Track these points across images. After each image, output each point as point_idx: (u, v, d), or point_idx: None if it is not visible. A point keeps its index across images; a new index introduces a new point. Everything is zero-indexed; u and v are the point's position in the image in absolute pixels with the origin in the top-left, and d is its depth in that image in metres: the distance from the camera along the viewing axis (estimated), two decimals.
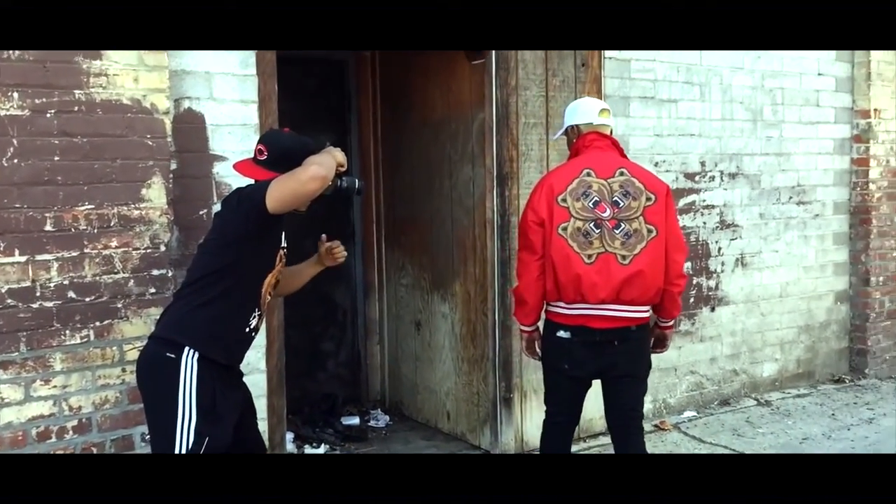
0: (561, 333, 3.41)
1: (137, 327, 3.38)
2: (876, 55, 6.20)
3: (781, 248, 5.97)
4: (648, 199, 3.38)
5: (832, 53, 6.14)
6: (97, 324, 3.30)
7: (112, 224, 3.31)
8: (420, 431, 5.17)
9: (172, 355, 2.68)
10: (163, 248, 3.42)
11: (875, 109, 6.25)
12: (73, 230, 3.23)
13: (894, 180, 6.45)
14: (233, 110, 3.69)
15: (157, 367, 2.72)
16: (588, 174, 3.38)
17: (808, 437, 5.10)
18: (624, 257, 3.31)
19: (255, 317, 2.85)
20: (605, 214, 3.33)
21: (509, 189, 4.58)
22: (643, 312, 3.44)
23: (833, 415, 5.52)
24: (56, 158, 3.19)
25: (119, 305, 3.34)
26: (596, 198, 3.34)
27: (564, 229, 3.31)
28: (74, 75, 3.20)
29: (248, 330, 2.84)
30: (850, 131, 6.30)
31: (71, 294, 3.24)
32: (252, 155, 2.90)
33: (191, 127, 3.58)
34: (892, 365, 6.53)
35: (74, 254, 3.24)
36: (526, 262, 3.41)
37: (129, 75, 3.32)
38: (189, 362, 2.68)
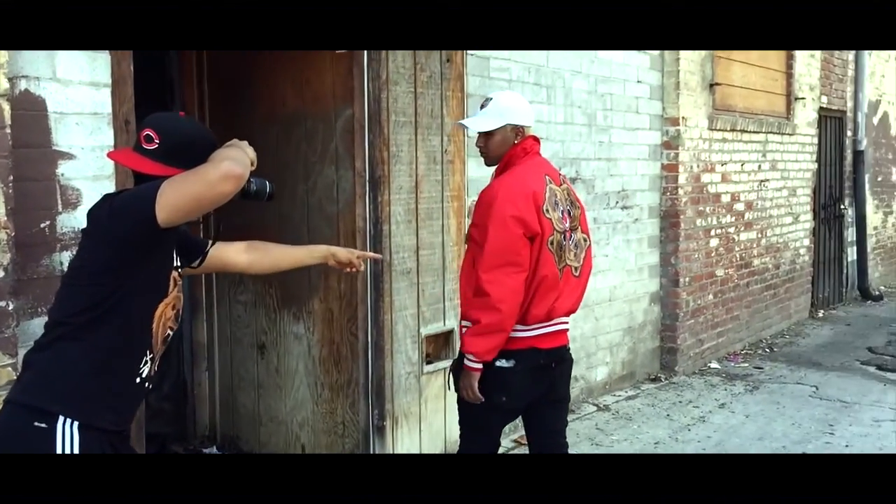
0: (501, 363, 3.02)
1: None
2: (684, 65, 6.49)
3: (610, 253, 6.04)
4: (578, 208, 3.17)
5: (647, 62, 6.33)
6: None
7: None
8: None
9: (43, 425, 2.02)
10: (1, 274, 2.59)
11: (682, 117, 6.54)
12: None
13: (697, 185, 6.81)
14: (81, 95, 2.91)
15: (21, 444, 2.03)
16: (549, 181, 3.05)
17: (658, 440, 5.16)
18: (576, 269, 3.08)
19: (146, 362, 2.18)
20: (566, 225, 3.04)
21: (381, 195, 4.12)
22: (569, 325, 3.20)
23: (668, 415, 5.66)
24: None
25: None
26: (562, 207, 3.04)
27: (552, 244, 2.97)
28: None
29: (138, 381, 2.17)
30: (660, 138, 6.54)
31: None
32: (134, 143, 2.20)
33: (29, 115, 2.76)
34: (696, 361, 6.89)
35: None
36: (511, 283, 2.86)
37: None
38: (66, 435, 2.03)
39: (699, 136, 6.76)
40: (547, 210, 2.95)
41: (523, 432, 4.94)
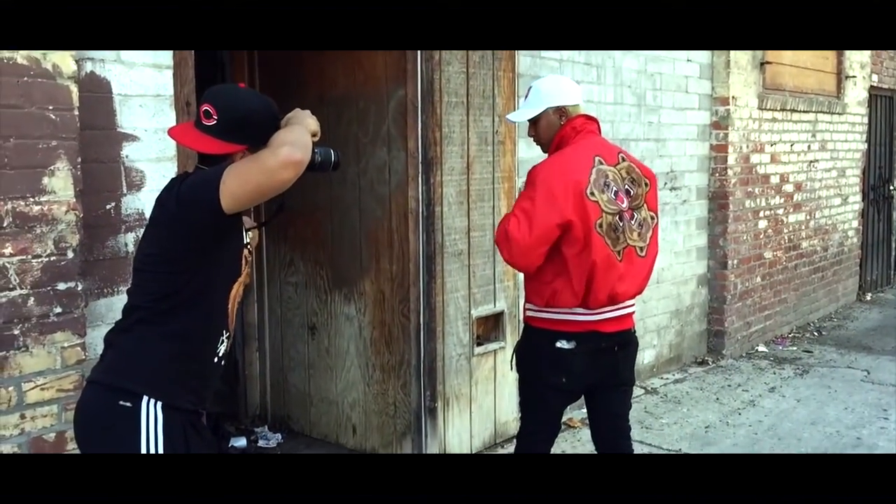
0: (562, 344, 3.00)
1: (40, 359, 2.56)
2: None
3: (658, 234, 5.95)
4: (646, 185, 3.10)
5: None
6: None
7: (5, 224, 2.47)
8: (319, 448, 4.58)
9: (128, 404, 2.03)
10: (70, 255, 2.62)
11: (732, 97, 6.42)
12: None
13: (746, 166, 6.70)
14: (144, 77, 2.93)
15: (108, 421, 2.05)
16: (600, 162, 2.99)
17: (709, 424, 5.11)
18: (641, 249, 3.02)
19: (223, 341, 2.19)
20: (623, 205, 2.98)
21: (434, 176, 4.11)
22: (634, 307, 3.17)
23: (717, 399, 5.60)
24: None
25: (16, 332, 2.51)
26: (615, 188, 2.98)
27: (601, 226, 2.91)
28: None
29: (216, 360, 2.18)
30: (709, 118, 6.44)
31: None
32: (195, 119, 2.13)
33: (94, 97, 2.78)
34: (743, 344, 6.81)
35: None
36: (520, 232, 2.86)
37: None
38: (150, 414, 2.04)
39: (749, 115, 6.64)
40: (592, 193, 2.88)
41: (572, 414, 4.97)
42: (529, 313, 3.10)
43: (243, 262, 2.21)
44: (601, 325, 2.98)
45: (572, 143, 3.02)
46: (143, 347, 2.07)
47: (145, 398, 2.03)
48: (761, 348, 6.92)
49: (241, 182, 1.93)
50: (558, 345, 2.99)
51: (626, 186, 3.00)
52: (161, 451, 2.02)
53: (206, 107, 2.07)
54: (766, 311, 7.11)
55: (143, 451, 2.01)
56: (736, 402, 5.53)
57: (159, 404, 2.04)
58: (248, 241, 2.26)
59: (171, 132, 2.24)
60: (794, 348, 6.96)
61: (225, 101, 2.08)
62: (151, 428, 2.03)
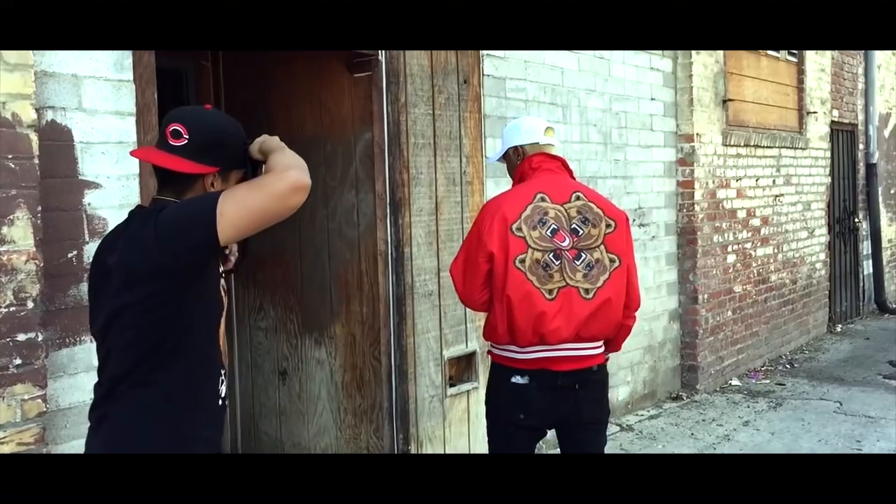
0: (517, 379, 3.00)
1: (0, 412, 2.50)
2: (696, 82, 6.48)
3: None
4: (608, 225, 3.09)
5: (661, 79, 6.33)
6: None
7: None
8: None
9: None
10: (30, 305, 2.58)
11: (697, 134, 6.52)
12: None
13: (713, 202, 6.78)
14: (107, 124, 2.91)
15: None
16: (542, 199, 3.02)
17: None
18: (587, 291, 2.99)
19: (222, 381, 2.05)
20: (564, 244, 2.98)
21: (402, 217, 4.11)
22: (600, 349, 3.14)
23: (692, 434, 5.60)
24: None
25: None
26: (553, 225, 2.99)
27: (522, 262, 2.92)
28: None
29: (220, 403, 2.04)
30: (675, 155, 6.52)
31: None
32: (158, 140, 1.98)
33: (56, 145, 2.76)
34: (717, 378, 6.83)
35: None
36: (456, 269, 3.07)
37: None
38: None
39: (714, 152, 6.74)
40: (518, 229, 2.92)
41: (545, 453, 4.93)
42: (490, 349, 3.13)
43: (223, 293, 2.07)
44: (551, 363, 2.96)
45: (526, 179, 3.08)
46: (142, 415, 1.89)
47: None
48: (735, 382, 6.94)
49: (245, 210, 1.80)
50: (513, 380, 3.00)
51: (574, 225, 3.00)
52: None
53: (174, 126, 1.93)
54: (739, 345, 7.15)
55: None
56: (711, 436, 5.53)
57: None
58: (222, 269, 2.09)
59: (135, 153, 2.17)
60: (767, 381, 6.99)
61: (195, 121, 1.96)
62: None
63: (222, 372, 2.06)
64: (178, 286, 1.85)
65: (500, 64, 4.76)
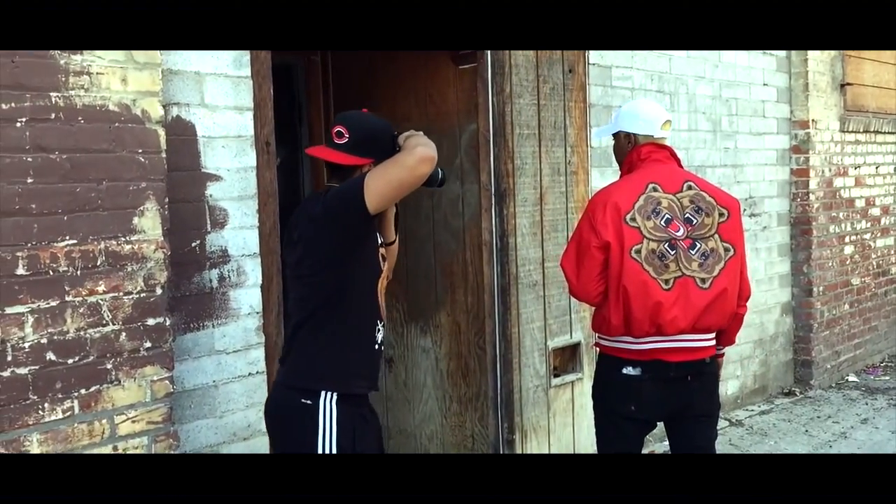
0: (628, 370, 2.99)
1: (131, 393, 2.66)
2: (812, 66, 6.24)
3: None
4: (721, 214, 3.03)
5: (774, 64, 6.13)
6: (82, 392, 2.56)
7: (98, 263, 2.59)
8: None
9: (308, 402, 2.37)
10: (159, 291, 2.73)
11: (812, 120, 6.29)
12: (51, 273, 2.49)
13: (830, 190, 6.53)
14: (226, 119, 3.05)
15: (292, 415, 2.40)
16: (654, 189, 2.98)
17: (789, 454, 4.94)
18: (703, 280, 2.94)
19: (379, 330, 2.51)
20: (678, 233, 2.94)
21: (507, 208, 4.13)
22: (712, 341, 3.09)
23: (807, 431, 5.42)
24: (29, 181, 2.45)
25: (108, 366, 2.62)
26: (667, 215, 2.95)
27: (638, 252, 2.89)
28: (50, 73, 2.48)
29: (377, 347, 2.51)
30: (789, 142, 6.31)
31: (50, 356, 2.49)
32: (326, 140, 2.47)
33: (180, 140, 2.91)
34: (832, 374, 6.59)
35: (54, 303, 2.50)
36: (569, 265, 3.02)
37: (115, 74, 2.62)
38: (327, 407, 2.36)
39: (830, 138, 6.48)
40: (632, 219, 2.89)
41: (654, 447, 4.88)
42: (598, 340, 3.12)
43: (381, 259, 2.50)
44: (666, 353, 2.93)
45: (636, 169, 3.04)
46: (318, 348, 2.38)
47: (323, 393, 2.35)
48: (852, 378, 6.67)
49: (385, 182, 2.24)
50: (625, 371, 2.97)
51: (687, 215, 2.96)
52: (334, 438, 2.33)
53: (338, 128, 2.42)
54: (856, 340, 6.87)
55: (320, 440, 2.33)
56: (826, 434, 5.35)
57: (335, 397, 2.35)
58: (382, 240, 2.53)
59: (309, 151, 2.56)
60: (887, 378, 6.69)
61: (354, 123, 2.43)
62: (328, 420, 2.34)
63: (379, 323, 2.49)
64: (343, 249, 2.33)
65: (605, 52, 4.71)
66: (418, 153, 2.26)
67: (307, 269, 2.37)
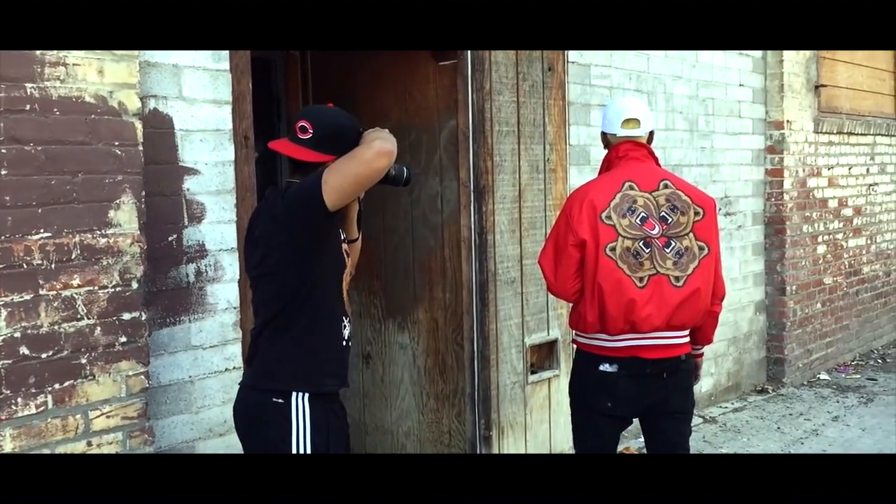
0: (605, 367, 3.01)
1: (105, 387, 2.63)
2: (787, 67, 6.31)
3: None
4: (697, 213, 3.05)
5: (750, 65, 6.18)
6: (56, 386, 2.53)
7: (73, 256, 2.56)
8: None
9: (280, 400, 2.34)
10: (135, 286, 2.70)
11: (787, 121, 6.35)
12: (24, 266, 2.46)
13: (803, 191, 6.60)
14: (205, 113, 3.02)
15: (263, 415, 2.37)
16: (630, 187, 3.00)
17: (770, 454, 5.00)
18: (677, 278, 2.97)
19: (345, 326, 2.48)
20: (654, 232, 2.96)
21: (486, 205, 4.13)
22: (687, 338, 3.12)
23: (779, 428, 5.48)
24: (3, 172, 2.41)
25: (83, 361, 2.59)
26: (643, 213, 2.97)
27: (612, 250, 2.91)
28: (25, 64, 2.44)
29: (344, 343, 2.48)
30: (764, 142, 6.37)
31: (24, 350, 2.46)
32: (290, 134, 2.40)
33: (157, 133, 2.88)
34: (804, 372, 6.66)
35: (27, 297, 2.46)
36: (546, 262, 3.04)
37: (91, 66, 2.58)
38: (300, 406, 2.34)
39: (804, 139, 6.55)
40: (608, 217, 2.91)
41: (629, 443, 4.91)
42: (575, 337, 3.14)
43: (345, 255, 2.47)
44: (643, 350, 2.96)
45: (613, 168, 3.07)
46: (283, 349, 2.35)
47: (294, 393, 2.32)
48: (823, 376, 6.76)
49: (341, 177, 2.20)
50: (601, 368, 3.00)
51: (663, 213, 2.98)
52: (308, 438, 2.31)
53: (302, 122, 2.36)
54: (828, 338, 6.96)
55: (294, 438, 2.30)
56: (798, 431, 5.41)
57: (306, 396, 2.32)
58: (344, 237, 2.49)
59: (272, 144, 2.47)
60: (858, 376, 6.78)
61: (319, 118, 2.38)
62: (301, 419, 2.31)
63: (345, 319, 2.46)
64: (305, 247, 2.28)
65: (584, 51, 4.72)
66: (375, 147, 2.22)
67: (270, 267, 2.33)
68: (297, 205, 2.24)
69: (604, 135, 3.21)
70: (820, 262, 6.82)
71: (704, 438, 5.25)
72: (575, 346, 3.18)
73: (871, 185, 7.53)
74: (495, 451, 4.23)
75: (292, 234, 2.26)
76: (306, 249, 2.29)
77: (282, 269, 2.30)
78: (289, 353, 2.35)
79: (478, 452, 4.19)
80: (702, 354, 3.31)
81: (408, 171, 2.48)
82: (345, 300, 2.47)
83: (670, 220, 3.00)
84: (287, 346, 2.34)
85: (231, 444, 3.08)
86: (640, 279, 2.93)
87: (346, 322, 2.47)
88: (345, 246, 2.47)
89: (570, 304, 3.14)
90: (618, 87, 4.99)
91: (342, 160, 2.24)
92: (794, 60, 6.38)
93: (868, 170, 7.49)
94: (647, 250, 2.94)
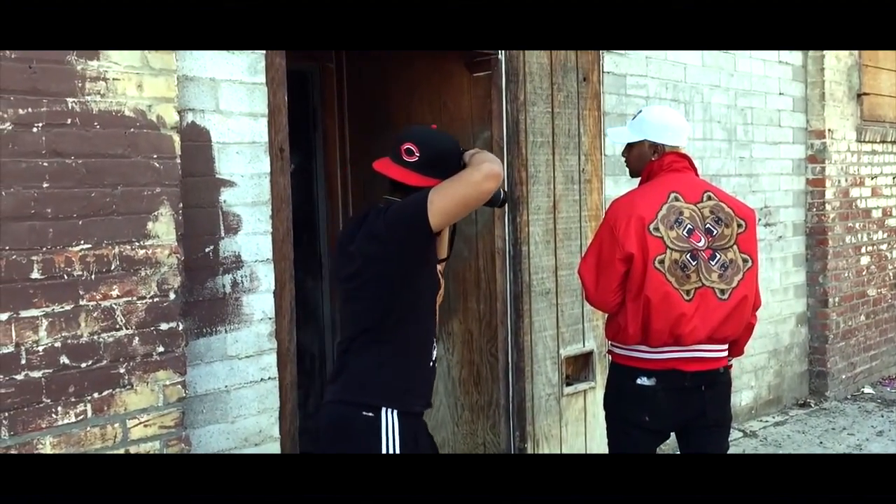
0: (642, 380, 2.97)
1: (144, 397, 2.67)
2: (829, 75, 6.21)
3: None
4: (740, 225, 3.01)
5: (790, 73, 6.10)
6: (95, 395, 2.57)
7: (113, 267, 2.60)
8: None
9: (370, 414, 2.32)
10: (172, 296, 2.74)
11: (829, 129, 6.25)
12: (65, 276, 2.51)
13: (846, 201, 6.49)
14: (241, 125, 3.06)
15: (352, 428, 2.34)
16: (676, 198, 2.96)
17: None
18: (723, 291, 2.92)
19: (434, 347, 2.48)
20: (700, 244, 2.92)
21: (520, 216, 4.13)
22: (726, 351, 3.07)
23: (821, 443, 5.38)
24: (45, 185, 2.46)
25: (122, 370, 2.63)
26: (689, 225, 2.92)
27: (661, 262, 2.87)
28: (67, 79, 2.50)
29: (432, 364, 2.47)
30: (804, 152, 6.28)
31: (64, 359, 2.51)
32: (393, 154, 2.40)
33: (195, 145, 2.92)
34: (848, 385, 6.53)
35: (68, 307, 2.51)
36: (589, 276, 2.98)
37: (131, 80, 2.63)
38: (390, 422, 2.32)
39: (847, 148, 6.45)
40: (656, 229, 2.86)
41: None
42: (611, 349, 3.10)
43: (440, 275, 2.49)
44: (682, 363, 2.91)
45: (655, 178, 3.02)
46: (376, 365, 2.33)
47: (384, 409, 2.30)
48: (867, 390, 6.62)
49: (449, 198, 2.20)
50: (639, 381, 2.95)
51: (708, 225, 2.94)
52: (398, 452, 2.29)
53: (408, 145, 2.37)
54: (872, 351, 6.81)
55: (384, 452, 2.29)
56: (841, 446, 5.30)
57: (396, 412, 2.31)
58: (443, 256, 2.52)
59: (377, 166, 2.46)
60: None
61: (425, 141, 2.39)
62: (391, 434, 2.30)
63: (434, 340, 2.46)
64: (402, 266, 2.29)
65: (620, 61, 4.71)
66: (484, 169, 2.22)
67: (365, 283, 2.31)
68: (401, 224, 2.24)
69: (654, 144, 3.07)
70: (863, 273, 6.69)
71: (744, 453, 5.16)
72: (610, 357, 3.14)
73: None
74: None
75: (392, 252, 2.26)
76: (406, 269, 2.29)
77: (379, 286, 2.29)
78: (380, 369, 2.33)
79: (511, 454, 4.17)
80: (731, 366, 3.26)
81: (505, 193, 2.48)
82: (436, 322, 2.47)
83: (715, 232, 2.96)
84: (379, 362, 2.33)
85: (266, 452, 3.11)
86: (687, 292, 2.89)
87: (434, 343, 2.46)
88: (439, 266, 2.47)
89: (607, 315, 3.11)
90: (654, 96, 4.96)
91: (450, 182, 2.23)
92: (836, 69, 6.28)
93: None
94: (694, 263, 2.90)
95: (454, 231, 2.55)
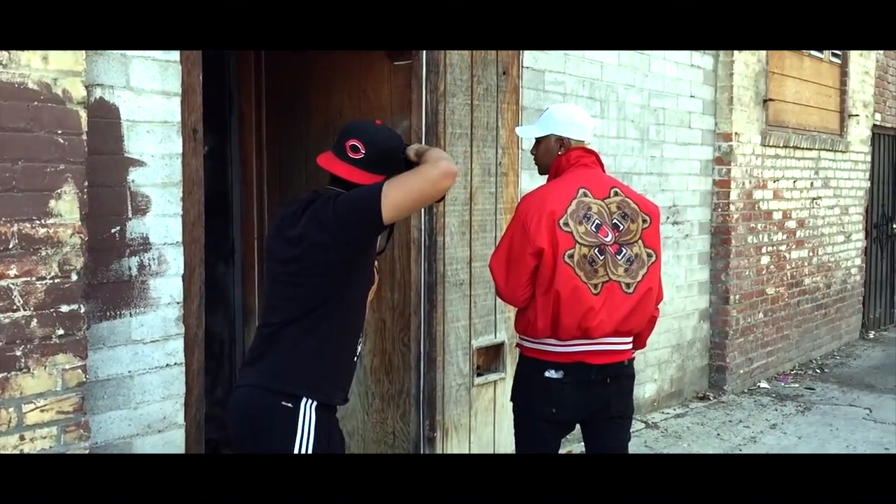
0: (550, 373, 3.02)
1: (41, 381, 2.57)
2: (737, 80, 6.43)
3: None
4: (644, 221, 3.10)
5: (701, 76, 6.29)
6: None
7: (10, 246, 2.49)
8: None
9: (289, 405, 2.30)
10: (74, 277, 2.64)
11: (735, 133, 6.47)
12: None
13: (749, 202, 6.73)
14: (152, 103, 2.97)
15: (269, 417, 2.31)
16: (585, 194, 3.02)
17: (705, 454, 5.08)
18: (628, 285, 3.01)
19: (360, 342, 2.49)
20: (607, 239, 2.99)
21: (436, 206, 4.13)
22: (630, 344, 3.16)
23: (718, 435, 5.58)
24: None
25: (18, 353, 2.52)
26: (597, 221, 2.99)
27: (571, 257, 2.93)
28: None
29: (355, 359, 2.47)
30: (712, 153, 6.48)
31: None
32: (336, 150, 2.40)
33: (103, 122, 2.82)
34: (745, 380, 6.80)
35: None
36: (499, 271, 3.02)
37: (36, 52, 2.52)
38: (307, 413, 2.31)
39: (752, 151, 6.69)
40: (566, 224, 2.92)
41: (570, 447, 4.95)
42: (520, 342, 3.14)
43: (375, 269, 2.49)
44: (588, 356, 2.98)
45: (564, 173, 3.07)
46: (302, 353, 2.31)
47: (304, 399, 2.29)
48: (763, 384, 6.90)
49: (404, 193, 2.20)
50: (547, 374, 3.01)
51: (615, 220, 3.01)
52: (311, 446, 2.28)
53: (353, 142, 2.36)
54: (769, 348, 7.11)
55: (297, 446, 2.27)
56: (737, 438, 5.51)
57: (314, 405, 2.30)
58: (379, 249, 2.50)
59: (320, 161, 2.42)
60: (796, 385, 6.94)
61: (370, 137, 2.38)
62: (306, 427, 2.28)
63: (361, 335, 2.46)
64: (346, 256, 2.29)
65: (539, 56, 4.76)
66: (442, 167, 2.23)
67: (304, 270, 2.29)
68: (352, 215, 2.23)
69: (560, 139, 3.13)
70: (763, 272, 6.96)
71: (646, 444, 5.32)
72: (519, 350, 3.19)
73: (814, 198, 7.72)
74: (439, 452, 4.23)
75: (341, 242, 2.25)
76: (348, 259, 2.28)
77: (317, 273, 2.27)
78: (306, 358, 2.31)
79: (421, 453, 4.19)
80: (634, 357, 3.34)
81: None
82: (365, 316, 2.45)
83: (622, 227, 3.03)
84: (305, 351, 2.31)
85: (170, 440, 3.04)
86: (595, 286, 2.95)
87: (361, 337, 2.46)
88: (375, 259, 2.47)
89: (516, 309, 3.15)
90: (571, 93, 5.04)
91: (407, 176, 2.24)
92: (744, 74, 6.51)
93: (812, 183, 7.67)
94: (602, 257, 2.96)
95: (393, 224, 2.51)
